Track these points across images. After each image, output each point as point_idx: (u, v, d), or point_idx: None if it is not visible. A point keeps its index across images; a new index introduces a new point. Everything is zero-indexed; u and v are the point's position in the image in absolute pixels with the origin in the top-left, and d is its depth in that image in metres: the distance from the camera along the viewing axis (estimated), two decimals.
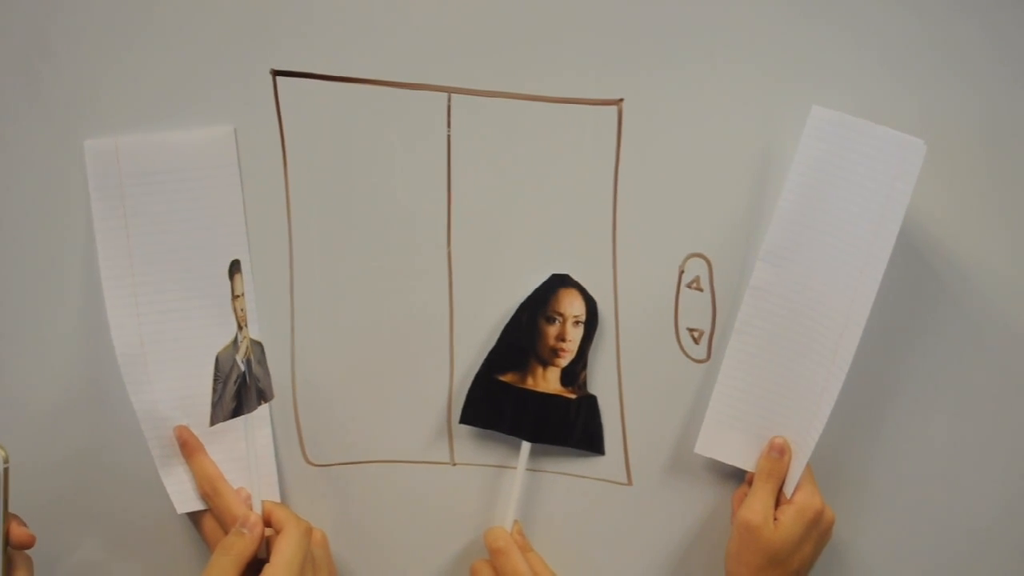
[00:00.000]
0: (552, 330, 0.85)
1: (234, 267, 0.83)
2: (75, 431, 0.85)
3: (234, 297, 0.83)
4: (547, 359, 0.86)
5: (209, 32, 0.80)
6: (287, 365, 0.86)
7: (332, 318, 0.86)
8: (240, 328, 0.84)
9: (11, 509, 0.71)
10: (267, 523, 0.83)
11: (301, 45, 0.80)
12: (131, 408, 0.82)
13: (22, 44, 0.79)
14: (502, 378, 0.86)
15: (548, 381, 0.86)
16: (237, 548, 0.79)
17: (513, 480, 0.87)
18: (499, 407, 0.87)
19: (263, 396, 0.84)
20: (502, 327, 0.86)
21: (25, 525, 0.72)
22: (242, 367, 0.83)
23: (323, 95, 0.81)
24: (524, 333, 0.86)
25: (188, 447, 0.84)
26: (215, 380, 0.83)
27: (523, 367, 0.86)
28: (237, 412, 0.83)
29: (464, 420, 0.87)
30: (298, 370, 0.87)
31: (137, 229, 0.81)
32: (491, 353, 0.86)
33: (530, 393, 0.86)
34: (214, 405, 0.83)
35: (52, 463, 0.85)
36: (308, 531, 0.82)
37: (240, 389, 0.83)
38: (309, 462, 0.88)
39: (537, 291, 0.85)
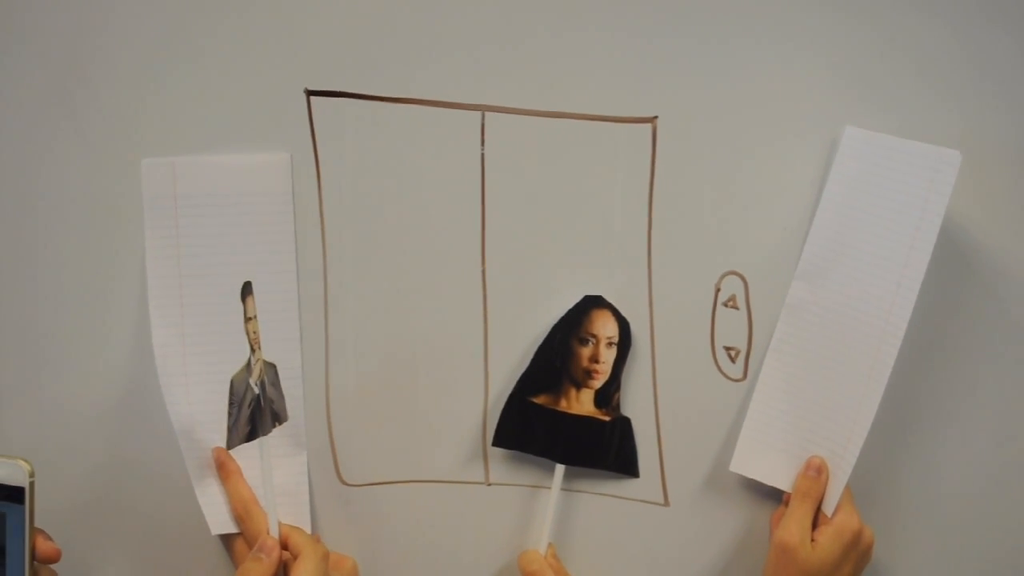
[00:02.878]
0: (585, 351, 0.85)
1: (246, 290, 0.83)
2: (112, 447, 0.85)
3: (247, 320, 0.83)
4: (580, 381, 0.86)
5: (243, 52, 0.80)
6: (321, 385, 0.86)
7: (366, 338, 0.86)
8: (253, 351, 0.84)
9: (43, 524, 0.71)
10: (284, 547, 0.83)
11: (335, 64, 0.81)
12: (168, 426, 0.82)
13: (78, 66, 0.80)
14: (535, 400, 0.86)
15: (582, 403, 0.86)
16: (255, 574, 0.79)
17: (548, 501, 0.87)
18: (532, 429, 0.86)
19: (277, 418, 0.84)
20: (535, 348, 0.86)
21: (51, 539, 0.72)
22: (256, 390, 0.83)
23: (357, 114, 0.82)
24: (557, 354, 0.85)
25: (225, 469, 0.84)
26: (230, 404, 0.83)
27: (556, 389, 0.86)
28: (252, 436, 0.83)
29: (497, 443, 0.87)
30: (332, 390, 0.86)
31: (188, 249, 0.82)
32: (524, 374, 0.86)
33: (563, 415, 0.86)
34: (230, 429, 0.83)
35: (87, 479, 0.86)
36: (325, 556, 0.82)
37: (255, 412, 0.83)
38: (343, 482, 0.88)
39: (570, 312, 0.85)
